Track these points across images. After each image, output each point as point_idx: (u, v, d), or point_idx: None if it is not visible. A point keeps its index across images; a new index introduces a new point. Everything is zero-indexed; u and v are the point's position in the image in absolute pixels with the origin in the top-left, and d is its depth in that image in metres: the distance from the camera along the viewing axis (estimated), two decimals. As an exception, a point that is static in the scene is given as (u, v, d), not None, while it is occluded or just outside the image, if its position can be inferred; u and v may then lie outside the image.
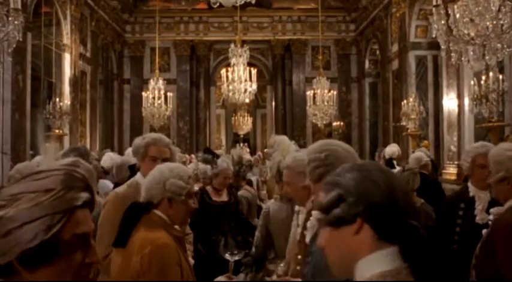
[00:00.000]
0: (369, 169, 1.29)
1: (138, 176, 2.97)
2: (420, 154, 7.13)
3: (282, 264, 2.67)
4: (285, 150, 3.31)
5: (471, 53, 4.10)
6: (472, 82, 7.79)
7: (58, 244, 1.11)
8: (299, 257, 2.72)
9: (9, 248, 1.07)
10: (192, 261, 2.66)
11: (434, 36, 4.51)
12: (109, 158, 7.00)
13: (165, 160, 2.93)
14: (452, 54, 4.28)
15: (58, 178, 1.14)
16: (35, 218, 1.08)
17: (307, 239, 2.10)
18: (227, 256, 2.71)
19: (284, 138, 3.82)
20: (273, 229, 3.24)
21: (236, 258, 2.72)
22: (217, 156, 5.06)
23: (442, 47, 4.40)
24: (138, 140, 3.09)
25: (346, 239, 1.26)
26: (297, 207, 2.91)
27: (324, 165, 2.04)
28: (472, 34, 4.04)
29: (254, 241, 3.32)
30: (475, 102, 7.48)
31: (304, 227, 2.75)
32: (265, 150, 16.95)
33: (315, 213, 2.13)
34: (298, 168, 2.45)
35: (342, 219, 1.25)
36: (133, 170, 3.32)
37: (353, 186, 1.25)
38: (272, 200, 3.51)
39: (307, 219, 2.76)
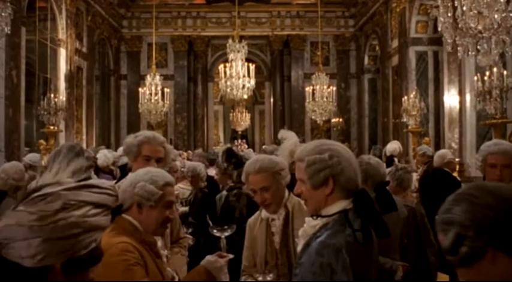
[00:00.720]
0: (475, 195, 1.22)
1: None
2: (445, 151, 6.82)
3: (271, 275, 2.52)
4: (288, 148, 3.14)
5: (479, 47, 3.93)
6: (475, 78, 7.63)
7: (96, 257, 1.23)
8: (281, 265, 2.61)
9: (64, 250, 1.14)
10: (171, 272, 2.42)
11: (439, 29, 4.34)
12: (103, 156, 6.81)
13: (159, 160, 2.77)
14: (458, 48, 4.11)
15: (110, 198, 1.25)
16: (92, 229, 1.18)
17: (299, 248, 1.94)
18: (216, 232, 2.61)
19: (292, 134, 3.64)
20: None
21: (227, 233, 2.61)
22: (239, 159, 4.69)
23: (449, 40, 4.22)
24: (130, 139, 2.88)
25: (487, 274, 1.19)
26: (265, 214, 2.72)
27: (329, 167, 1.86)
28: (480, 27, 3.87)
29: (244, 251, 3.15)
30: (478, 99, 7.32)
31: (285, 235, 2.62)
32: (263, 146, 16.82)
33: (308, 220, 1.95)
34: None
35: (472, 256, 1.19)
36: (124, 170, 3.12)
37: (469, 219, 1.19)
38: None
39: (285, 226, 2.65)
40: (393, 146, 8.80)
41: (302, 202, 2.63)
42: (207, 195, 5.04)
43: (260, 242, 2.70)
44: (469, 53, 4.21)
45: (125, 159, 3.66)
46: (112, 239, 2.01)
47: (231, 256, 2.35)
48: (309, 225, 1.95)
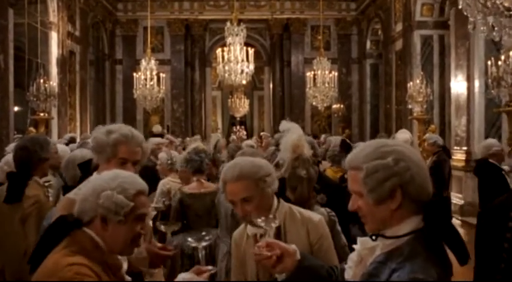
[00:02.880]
0: None
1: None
2: (490, 141, 6.28)
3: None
4: (291, 142, 2.72)
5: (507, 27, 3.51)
6: (489, 62, 7.20)
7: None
8: None
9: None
10: None
11: (460, 6, 3.91)
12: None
13: (135, 163, 2.31)
14: (482, 28, 3.69)
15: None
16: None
17: (349, 276, 1.53)
18: (193, 243, 2.25)
19: (295, 126, 3.21)
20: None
21: (205, 243, 2.24)
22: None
23: (471, 19, 3.81)
24: (102, 135, 2.31)
25: None
26: (251, 230, 2.22)
27: (395, 175, 1.46)
28: (506, 4, 3.46)
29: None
30: (492, 84, 6.90)
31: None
32: (262, 133, 16.42)
33: (364, 241, 1.53)
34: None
35: None
36: (86, 168, 2.58)
37: None
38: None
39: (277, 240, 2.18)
40: (405, 136, 8.29)
41: (294, 208, 2.24)
42: None
43: (250, 260, 2.22)
44: (494, 33, 3.78)
45: (86, 153, 3.09)
46: (64, 259, 1.60)
47: (212, 270, 1.95)
48: (364, 247, 1.55)
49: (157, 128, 15.70)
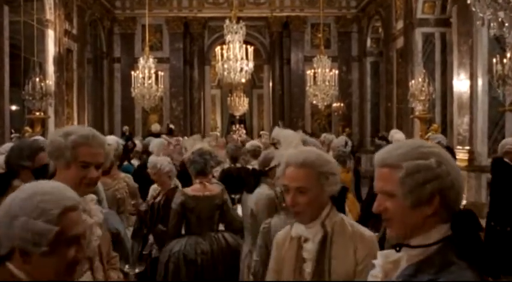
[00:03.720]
0: None
1: None
2: (506, 140, 6.15)
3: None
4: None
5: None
6: (494, 60, 7.05)
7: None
8: None
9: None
10: None
11: (469, 1, 3.76)
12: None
13: (98, 166, 2.08)
14: (492, 24, 3.54)
15: None
16: None
17: None
18: (126, 268, 2.27)
19: (292, 133, 3.04)
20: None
21: (137, 270, 2.32)
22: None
23: (480, 15, 3.66)
24: (58, 137, 2.06)
25: None
26: (296, 231, 2.06)
27: (437, 178, 1.34)
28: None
29: (253, 266, 2.60)
30: (497, 83, 6.74)
31: (320, 265, 1.98)
32: (262, 132, 16.25)
33: (386, 254, 1.40)
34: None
35: None
36: (41, 174, 2.36)
37: None
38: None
39: (321, 252, 1.98)
40: (401, 136, 8.18)
41: (346, 220, 2.04)
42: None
43: (288, 267, 2.06)
44: (505, 29, 3.63)
45: (42, 156, 2.84)
46: None
47: None
48: (387, 261, 1.41)
49: (155, 127, 15.53)
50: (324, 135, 12.79)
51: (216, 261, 3.88)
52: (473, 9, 3.72)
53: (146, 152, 7.50)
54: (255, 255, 2.65)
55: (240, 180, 6.27)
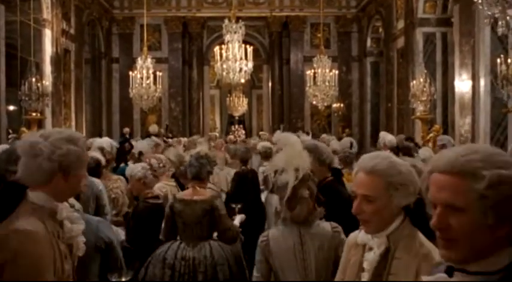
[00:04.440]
0: None
1: None
2: None
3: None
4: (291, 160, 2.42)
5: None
6: (498, 60, 6.93)
7: None
8: None
9: None
10: None
11: (477, 0, 3.63)
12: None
13: None
14: (500, 22, 3.42)
15: None
16: None
17: None
18: (113, 278, 2.28)
19: (293, 138, 2.94)
20: (277, 264, 2.37)
21: (124, 279, 2.26)
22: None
23: (488, 13, 3.53)
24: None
25: None
26: (362, 238, 1.95)
27: None
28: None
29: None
30: (501, 83, 6.62)
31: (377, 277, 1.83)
32: (261, 133, 16.12)
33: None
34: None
35: None
36: None
37: None
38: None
39: (380, 265, 1.84)
40: (392, 137, 8.00)
41: (418, 237, 1.84)
42: (156, 210, 4.11)
43: (350, 273, 1.96)
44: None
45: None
46: None
47: None
48: None
49: (153, 128, 15.45)
50: (323, 136, 12.70)
51: (195, 269, 3.70)
52: (480, 7, 3.60)
53: (142, 154, 7.36)
54: (255, 271, 2.51)
55: (253, 182, 6.15)
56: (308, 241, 2.41)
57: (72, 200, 3.28)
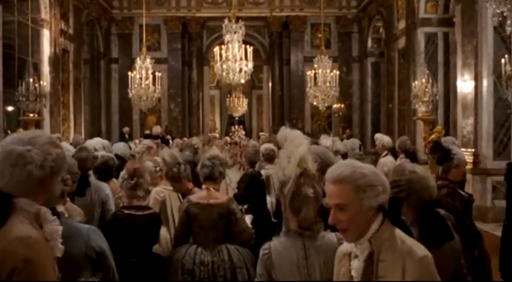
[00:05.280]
0: None
1: None
2: None
3: None
4: (295, 155, 2.30)
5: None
6: (502, 60, 6.82)
7: None
8: None
9: None
10: None
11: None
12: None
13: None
14: (509, 21, 3.31)
15: None
16: None
17: None
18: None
19: (298, 134, 2.81)
20: (280, 279, 2.24)
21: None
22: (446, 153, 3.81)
23: (497, 11, 3.42)
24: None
25: None
26: (346, 246, 1.97)
27: None
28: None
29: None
30: (506, 83, 6.51)
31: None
32: (261, 133, 16.02)
33: None
34: None
35: None
36: None
37: None
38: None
39: (367, 270, 1.83)
40: (388, 139, 7.87)
41: (399, 235, 1.85)
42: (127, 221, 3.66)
43: (340, 277, 1.97)
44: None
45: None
46: None
47: None
48: None
49: (156, 129, 15.47)
50: (322, 137, 12.58)
51: (215, 274, 3.63)
52: (488, 5, 3.49)
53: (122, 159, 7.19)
54: None
55: (261, 185, 6.02)
56: (313, 255, 2.26)
57: (71, 205, 3.19)
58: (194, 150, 6.75)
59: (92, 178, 4.31)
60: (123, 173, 3.72)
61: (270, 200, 5.94)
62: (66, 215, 2.49)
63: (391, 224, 1.87)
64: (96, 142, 6.32)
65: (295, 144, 2.45)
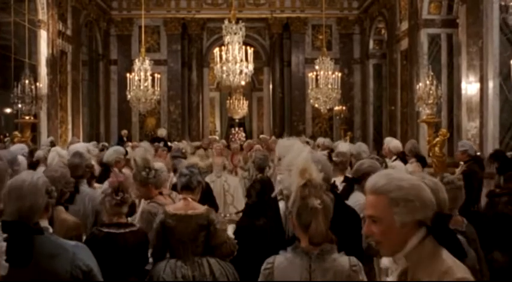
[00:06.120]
0: None
1: None
2: None
3: None
4: (297, 165, 2.10)
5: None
6: (511, 62, 6.63)
7: None
8: None
9: None
10: None
11: None
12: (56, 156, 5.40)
13: None
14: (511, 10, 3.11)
15: None
16: None
17: None
18: None
19: (298, 144, 2.62)
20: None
21: None
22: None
23: (502, 3, 3.23)
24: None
25: None
26: (384, 261, 1.89)
27: None
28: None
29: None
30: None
31: None
32: (261, 136, 15.82)
33: None
34: None
35: None
36: None
37: None
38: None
39: None
40: (397, 142, 7.64)
41: (443, 255, 1.68)
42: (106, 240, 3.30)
43: None
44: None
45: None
46: None
47: None
48: None
49: (161, 132, 15.46)
50: (319, 139, 12.43)
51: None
52: (503, 3, 3.31)
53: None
54: None
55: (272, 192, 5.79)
56: (318, 277, 2.05)
57: (63, 215, 3.00)
58: (182, 154, 6.51)
59: (85, 186, 4.06)
60: (105, 187, 3.35)
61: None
62: (51, 230, 2.29)
63: (435, 241, 1.70)
64: (79, 147, 6.02)
65: (294, 153, 2.25)
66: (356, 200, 3.58)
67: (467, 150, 6.61)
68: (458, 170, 6.49)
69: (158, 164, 4.49)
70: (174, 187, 4.79)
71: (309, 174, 2.14)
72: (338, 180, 4.14)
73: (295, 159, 2.17)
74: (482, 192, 6.69)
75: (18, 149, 5.56)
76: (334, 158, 5.03)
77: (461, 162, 6.81)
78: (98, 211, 3.84)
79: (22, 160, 4.55)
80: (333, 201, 2.13)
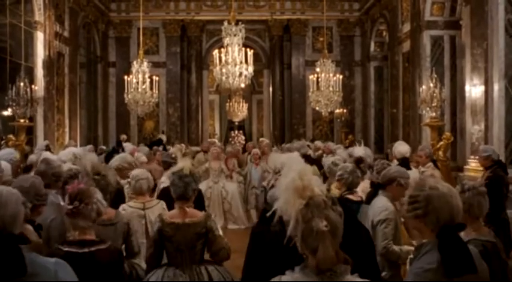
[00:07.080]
0: None
1: None
2: None
3: None
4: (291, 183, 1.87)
5: None
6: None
7: None
8: None
9: None
10: None
11: None
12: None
13: None
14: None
15: None
16: None
17: None
18: None
19: (294, 157, 2.42)
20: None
21: None
22: None
23: None
24: None
25: None
26: None
27: None
28: None
29: None
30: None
31: None
32: (261, 139, 15.61)
33: None
34: None
35: None
36: None
37: None
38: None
39: None
40: (406, 148, 7.44)
41: None
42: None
43: None
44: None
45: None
46: None
47: None
48: None
49: (163, 138, 15.47)
50: (316, 142, 12.28)
51: None
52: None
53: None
54: None
55: None
56: None
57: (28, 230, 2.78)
58: (172, 160, 6.32)
59: (53, 196, 3.46)
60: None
61: None
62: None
63: None
64: (66, 153, 5.77)
65: (287, 171, 2.01)
66: (379, 204, 3.77)
67: (490, 155, 6.39)
68: (481, 176, 6.27)
69: (136, 171, 4.32)
70: (164, 190, 4.65)
71: (310, 191, 1.90)
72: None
73: (291, 178, 1.91)
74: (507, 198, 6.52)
75: (6, 154, 5.37)
76: (361, 166, 5.28)
77: (483, 168, 6.59)
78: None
79: (6, 166, 4.35)
80: (342, 215, 1.91)
